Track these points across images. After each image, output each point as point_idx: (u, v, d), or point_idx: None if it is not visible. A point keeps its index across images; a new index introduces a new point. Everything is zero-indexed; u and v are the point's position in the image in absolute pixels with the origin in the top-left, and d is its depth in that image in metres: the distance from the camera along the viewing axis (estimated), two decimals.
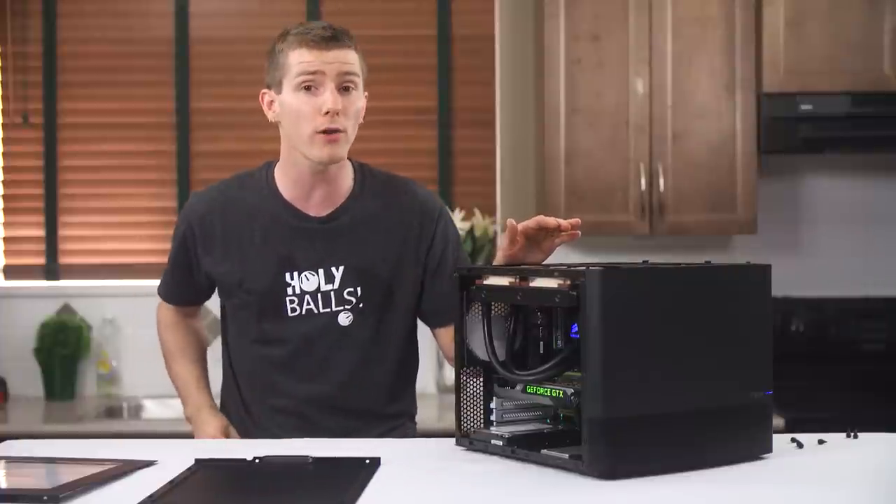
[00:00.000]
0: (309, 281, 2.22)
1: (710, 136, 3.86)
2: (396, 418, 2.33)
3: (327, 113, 2.13)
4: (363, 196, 2.27)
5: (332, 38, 2.15)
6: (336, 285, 2.22)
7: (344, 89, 2.16)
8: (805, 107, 3.79)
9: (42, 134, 4.31)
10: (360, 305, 2.24)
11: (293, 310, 2.22)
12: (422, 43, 4.33)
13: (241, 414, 2.30)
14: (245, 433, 2.28)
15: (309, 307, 2.22)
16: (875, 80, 3.82)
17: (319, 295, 2.22)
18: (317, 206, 2.24)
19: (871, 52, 3.82)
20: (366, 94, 2.25)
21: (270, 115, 2.23)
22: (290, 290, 2.22)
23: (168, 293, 2.44)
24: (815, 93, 3.80)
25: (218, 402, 2.39)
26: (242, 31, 4.33)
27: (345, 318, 2.23)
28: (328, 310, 2.22)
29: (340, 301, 2.23)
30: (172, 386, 2.45)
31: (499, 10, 4.26)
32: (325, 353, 2.23)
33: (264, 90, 2.24)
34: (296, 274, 2.22)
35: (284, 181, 2.25)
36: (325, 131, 2.14)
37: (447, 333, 2.26)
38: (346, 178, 2.27)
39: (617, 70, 3.85)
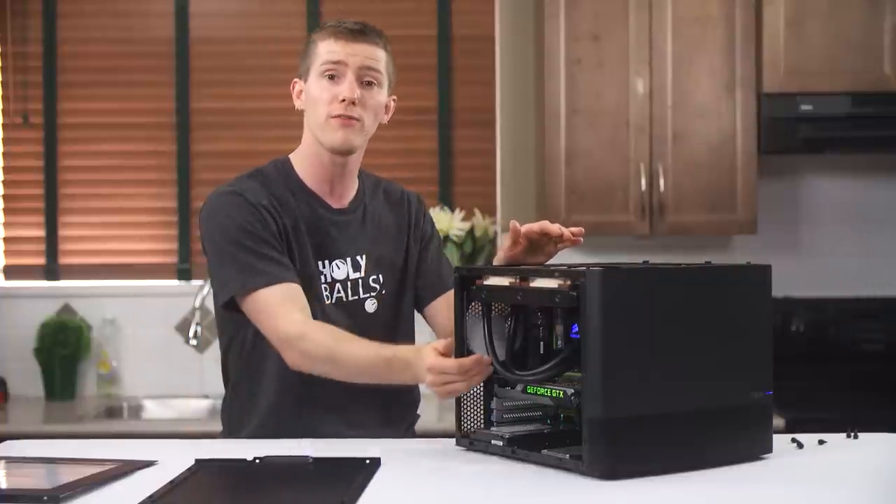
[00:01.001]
0: (339, 269, 2.25)
1: (710, 136, 3.86)
2: (418, 406, 2.38)
3: (343, 101, 2.17)
4: (366, 193, 2.34)
5: (360, 32, 2.23)
6: (363, 273, 2.27)
7: (366, 83, 2.21)
8: (805, 107, 3.79)
9: (42, 134, 4.31)
10: (383, 292, 2.29)
11: (326, 297, 2.23)
12: (422, 43, 4.33)
13: (271, 421, 2.21)
14: (285, 434, 2.15)
15: (339, 295, 2.24)
16: (875, 81, 3.82)
17: (349, 283, 2.25)
18: (336, 198, 2.28)
19: (871, 52, 3.82)
20: (394, 97, 2.30)
21: (298, 104, 2.28)
22: (322, 279, 2.23)
23: (279, 273, 2.11)
24: (816, 93, 3.80)
25: (219, 417, 2.35)
26: (242, 31, 4.33)
27: (371, 305, 2.27)
28: (356, 297, 2.26)
29: (367, 288, 2.27)
30: (361, 377, 2.06)
31: (499, 10, 4.26)
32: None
33: (295, 80, 2.28)
34: (327, 262, 2.24)
35: (305, 172, 2.27)
36: (339, 116, 2.18)
37: (439, 311, 2.31)
38: (355, 178, 2.33)
39: (617, 70, 3.85)
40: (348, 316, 2.23)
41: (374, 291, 2.28)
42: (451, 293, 2.05)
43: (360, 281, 2.26)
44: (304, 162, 2.27)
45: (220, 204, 2.19)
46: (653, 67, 3.84)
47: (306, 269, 2.21)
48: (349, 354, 2.05)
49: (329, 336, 2.08)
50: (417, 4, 4.32)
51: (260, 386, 2.22)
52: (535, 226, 2.03)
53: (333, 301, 2.23)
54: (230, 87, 4.31)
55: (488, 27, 4.30)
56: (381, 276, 2.29)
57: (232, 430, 2.28)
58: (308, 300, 2.16)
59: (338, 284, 2.24)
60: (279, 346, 2.10)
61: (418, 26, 4.32)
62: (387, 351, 2.03)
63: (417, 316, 2.39)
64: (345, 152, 2.22)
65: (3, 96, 4.31)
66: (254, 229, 2.15)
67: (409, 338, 2.34)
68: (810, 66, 3.82)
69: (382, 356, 2.02)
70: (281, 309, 2.09)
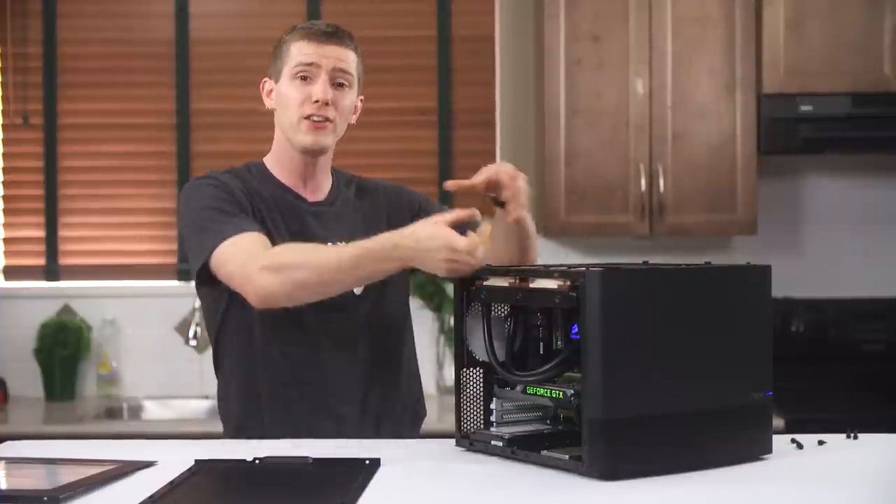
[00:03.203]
0: None
1: (710, 137, 3.86)
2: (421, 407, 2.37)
3: (316, 101, 2.20)
4: (341, 189, 2.36)
5: (332, 35, 2.25)
6: None
7: (338, 85, 2.24)
8: (805, 107, 3.79)
9: (42, 135, 4.31)
10: None
11: None
12: (422, 43, 4.33)
13: (263, 420, 2.23)
14: (281, 435, 2.13)
15: None
16: (875, 81, 3.82)
17: None
18: (311, 193, 2.30)
19: (871, 52, 3.82)
20: (361, 97, 2.34)
21: (268, 103, 2.30)
22: None
23: (244, 225, 2.13)
24: (816, 93, 3.80)
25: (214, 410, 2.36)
26: (242, 32, 4.33)
27: (356, 288, 2.22)
28: None
29: None
30: (337, 279, 2.02)
31: (499, 10, 4.26)
32: (343, 332, 2.23)
33: (265, 79, 2.31)
34: None
35: (278, 171, 2.30)
36: (312, 118, 2.21)
37: None
38: (329, 174, 2.35)
39: (617, 70, 3.85)
40: (335, 298, 2.19)
41: None
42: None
43: None
44: (277, 162, 2.30)
45: (191, 188, 2.23)
46: (653, 67, 3.85)
47: None
48: (322, 251, 2.06)
49: (297, 246, 2.10)
50: (417, 5, 4.32)
51: (254, 374, 2.22)
52: (476, 180, 2.17)
53: None
54: (230, 88, 4.31)
55: (488, 27, 4.30)
56: None
57: (227, 418, 2.28)
58: None
59: None
60: (244, 282, 2.06)
61: (418, 27, 4.32)
62: (365, 241, 2.01)
63: (415, 315, 2.37)
64: (316, 153, 2.26)
65: (3, 97, 4.31)
66: (222, 201, 2.17)
67: (403, 321, 2.33)
68: (810, 66, 3.82)
69: (361, 244, 2.01)
70: (246, 249, 2.08)
